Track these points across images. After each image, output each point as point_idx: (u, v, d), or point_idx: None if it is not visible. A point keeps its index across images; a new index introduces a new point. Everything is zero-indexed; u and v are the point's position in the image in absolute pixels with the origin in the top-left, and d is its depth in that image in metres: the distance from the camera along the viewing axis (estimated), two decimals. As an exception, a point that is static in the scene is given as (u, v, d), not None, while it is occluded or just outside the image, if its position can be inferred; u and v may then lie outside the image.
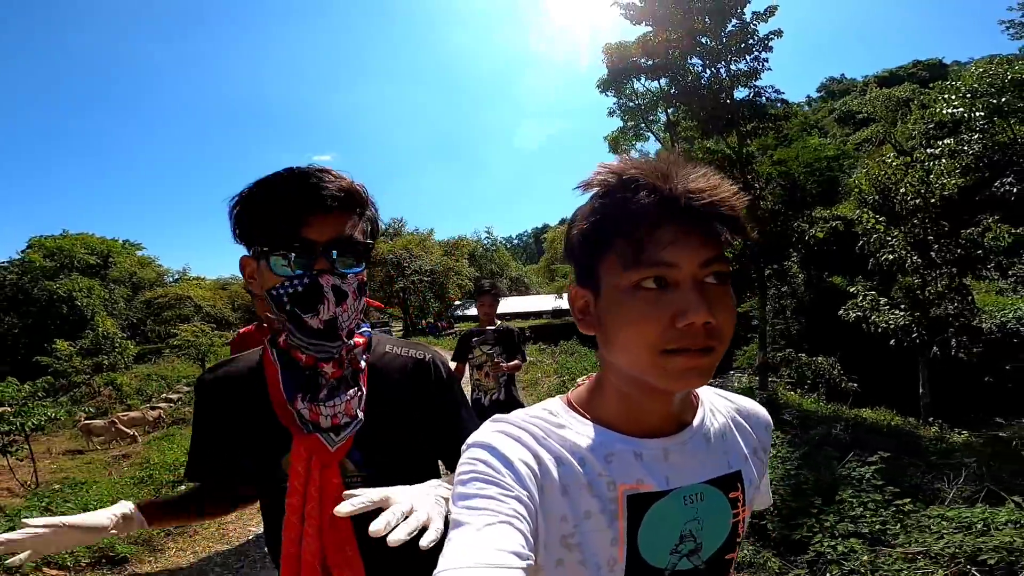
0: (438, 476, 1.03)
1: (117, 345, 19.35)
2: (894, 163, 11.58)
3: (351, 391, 0.97)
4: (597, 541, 0.65)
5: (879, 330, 10.20)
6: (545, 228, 70.40)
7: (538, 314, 35.37)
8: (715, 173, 0.62)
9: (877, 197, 11.65)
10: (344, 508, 0.69)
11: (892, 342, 10.28)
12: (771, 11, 14.42)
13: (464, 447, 0.66)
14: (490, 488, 0.59)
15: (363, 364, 1.01)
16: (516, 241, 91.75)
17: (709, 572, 0.70)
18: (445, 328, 31.66)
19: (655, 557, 0.67)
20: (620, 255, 0.61)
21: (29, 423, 5.60)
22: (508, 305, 40.21)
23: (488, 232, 46.09)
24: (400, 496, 0.73)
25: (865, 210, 10.97)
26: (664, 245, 0.59)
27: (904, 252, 10.13)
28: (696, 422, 0.71)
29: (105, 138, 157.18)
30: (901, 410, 10.47)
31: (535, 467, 0.64)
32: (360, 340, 1.00)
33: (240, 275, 1.01)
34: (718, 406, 0.77)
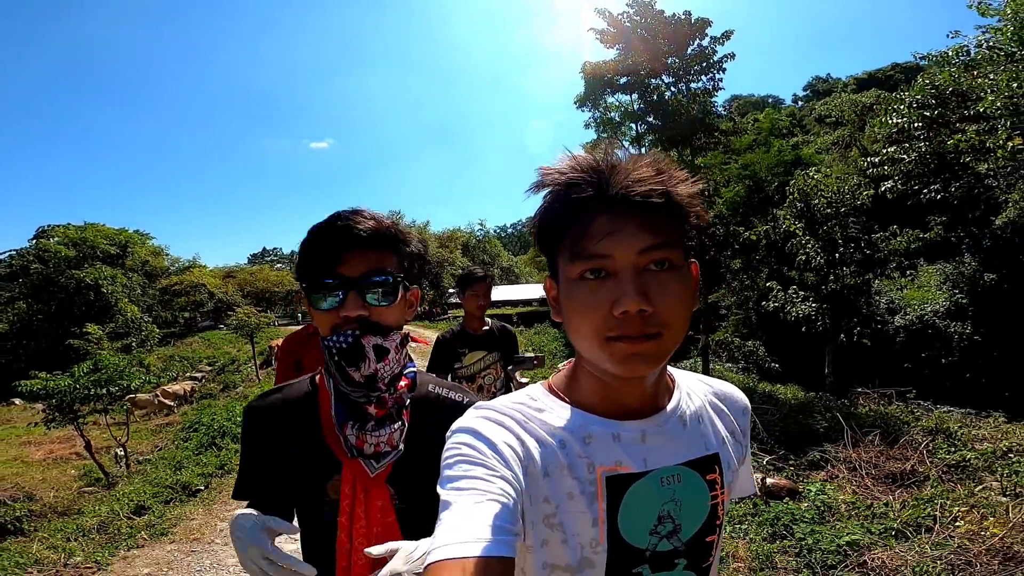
0: None
1: (144, 328, 21.44)
2: (815, 175, 13.63)
3: (395, 424, 1.06)
4: (578, 522, 0.67)
5: (792, 319, 12.34)
6: (539, 218, 71.99)
7: (527, 302, 37.46)
8: (661, 162, 0.65)
9: (801, 205, 13.73)
10: (372, 550, 0.80)
11: (804, 329, 12.43)
12: (727, 35, 16.49)
13: (448, 434, 0.68)
14: (476, 469, 0.61)
15: (407, 400, 1.10)
16: (511, 230, 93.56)
17: (690, 554, 0.71)
18: (438, 314, 33.82)
19: (635, 538, 0.69)
20: (565, 250, 0.65)
21: (133, 383, 7.59)
22: (499, 293, 42.28)
23: (481, 224, 49.71)
24: (412, 545, 0.81)
25: (787, 216, 13.04)
26: (599, 238, 0.62)
27: (813, 253, 12.24)
28: (672, 405, 0.73)
29: (99, 126, 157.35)
30: (813, 387, 12.62)
31: (519, 450, 0.66)
32: (405, 383, 1.09)
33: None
34: (695, 389, 0.79)
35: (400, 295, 1.05)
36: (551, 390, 0.75)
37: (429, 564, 0.52)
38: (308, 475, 1.06)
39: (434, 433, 1.01)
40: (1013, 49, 7.87)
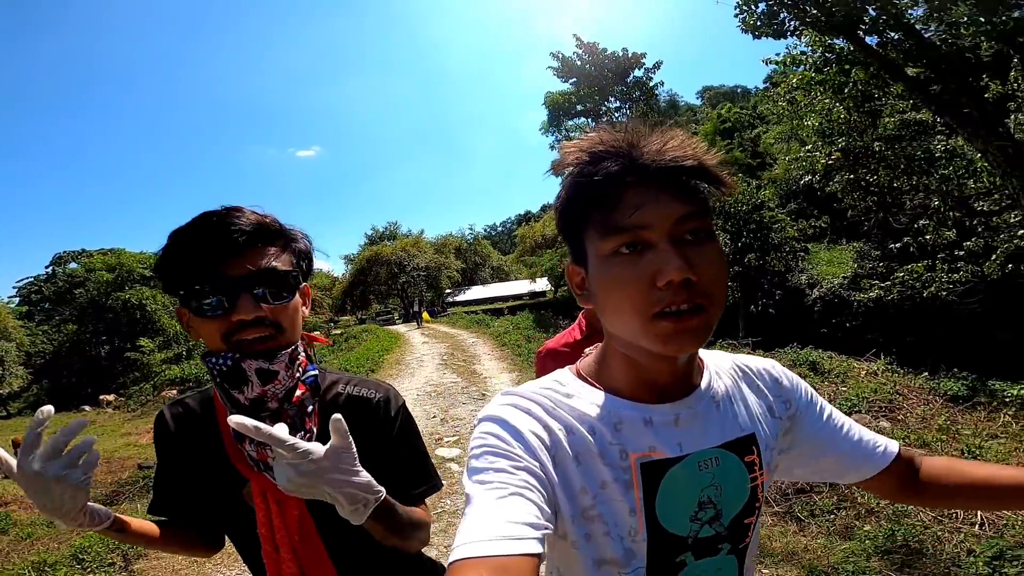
0: None
1: (190, 340, 25.10)
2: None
3: (299, 435, 0.96)
4: (616, 511, 0.65)
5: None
6: (527, 215, 75.37)
7: (517, 296, 41.39)
8: (684, 134, 0.63)
9: (719, 202, 17.55)
10: (233, 419, 0.74)
11: (720, 302, 16.28)
12: (657, 65, 20.24)
13: (476, 421, 0.67)
14: (500, 461, 0.60)
15: (310, 408, 1.01)
16: (500, 229, 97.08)
17: (732, 538, 0.71)
18: (441, 312, 37.64)
19: (675, 525, 0.67)
20: (596, 225, 0.63)
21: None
22: (491, 290, 46.56)
23: (471, 228, 56.46)
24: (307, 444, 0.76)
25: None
26: (634, 209, 0.60)
27: (723, 243, 16.09)
28: (704, 385, 0.72)
29: (78, 142, 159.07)
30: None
31: (545, 438, 0.64)
32: (302, 390, 1.00)
33: None
34: (722, 367, 0.77)
35: (295, 292, 0.98)
36: (579, 375, 0.73)
37: (451, 563, 0.51)
38: (220, 486, 1.01)
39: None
40: (814, 92, 10.86)
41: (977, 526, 3.37)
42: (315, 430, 1.00)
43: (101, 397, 23.53)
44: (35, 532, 5.24)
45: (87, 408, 23.45)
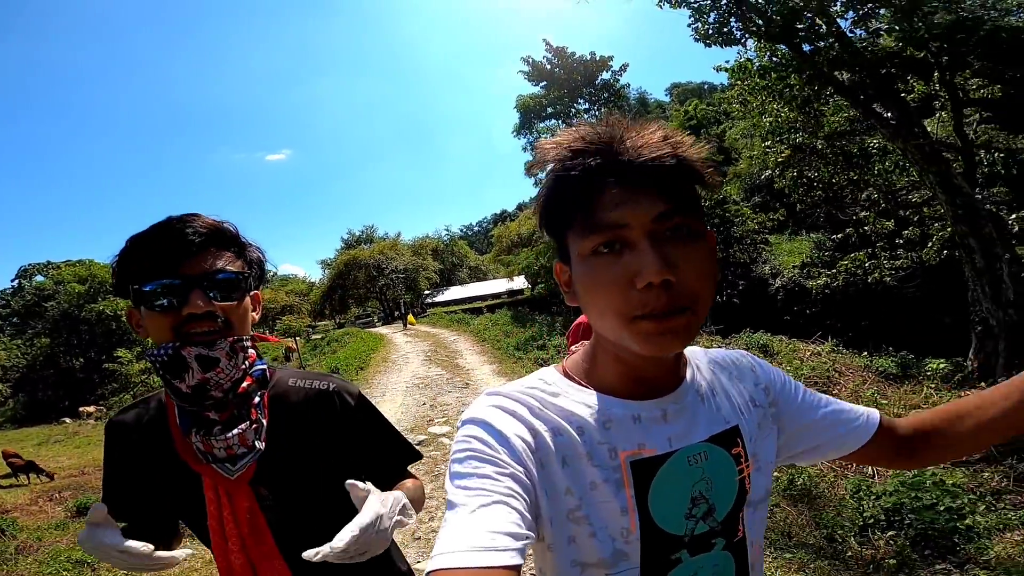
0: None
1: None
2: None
3: (244, 424, 1.01)
4: (605, 512, 0.64)
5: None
6: (503, 214, 75.72)
7: (495, 295, 41.88)
8: (667, 127, 0.62)
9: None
10: (308, 554, 0.77)
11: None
12: (624, 67, 20.95)
13: (459, 423, 0.67)
14: (485, 467, 0.59)
15: (257, 399, 1.04)
16: (476, 228, 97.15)
17: (725, 532, 0.70)
18: (421, 313, 38.01)
19: (670, 524, 0.66)
20: (577, 224, 0.62)
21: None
22: (469, 290, 47.01)
23: (447, 229, 55.83)
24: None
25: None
26: (612, 207, 0.58)
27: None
28: (688, 378, 0.72)
29: (43, 150, 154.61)
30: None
31: (531, 441, 0.63)
32: (248, 382, 1.02)
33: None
34: (701, 360, 0.78)
35: (245, 294, 1.03)
36: (566, 373, 0.73)
37: (428, 573, 0.51)
38: (172, 488, 1.04)
39: (300, 424, 1.06)
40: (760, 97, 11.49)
41: (868, 476, 4.03)
42: (264, 422, 1.04)
43: (81, 409, 23.43)
44: (44, 536, 5.71)
45: (68, 420, 23.33)
